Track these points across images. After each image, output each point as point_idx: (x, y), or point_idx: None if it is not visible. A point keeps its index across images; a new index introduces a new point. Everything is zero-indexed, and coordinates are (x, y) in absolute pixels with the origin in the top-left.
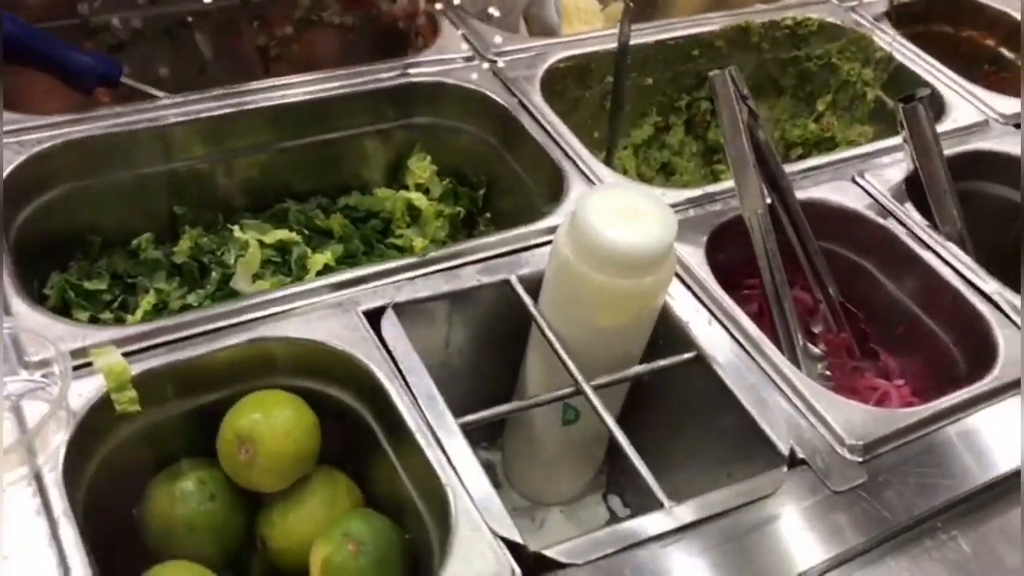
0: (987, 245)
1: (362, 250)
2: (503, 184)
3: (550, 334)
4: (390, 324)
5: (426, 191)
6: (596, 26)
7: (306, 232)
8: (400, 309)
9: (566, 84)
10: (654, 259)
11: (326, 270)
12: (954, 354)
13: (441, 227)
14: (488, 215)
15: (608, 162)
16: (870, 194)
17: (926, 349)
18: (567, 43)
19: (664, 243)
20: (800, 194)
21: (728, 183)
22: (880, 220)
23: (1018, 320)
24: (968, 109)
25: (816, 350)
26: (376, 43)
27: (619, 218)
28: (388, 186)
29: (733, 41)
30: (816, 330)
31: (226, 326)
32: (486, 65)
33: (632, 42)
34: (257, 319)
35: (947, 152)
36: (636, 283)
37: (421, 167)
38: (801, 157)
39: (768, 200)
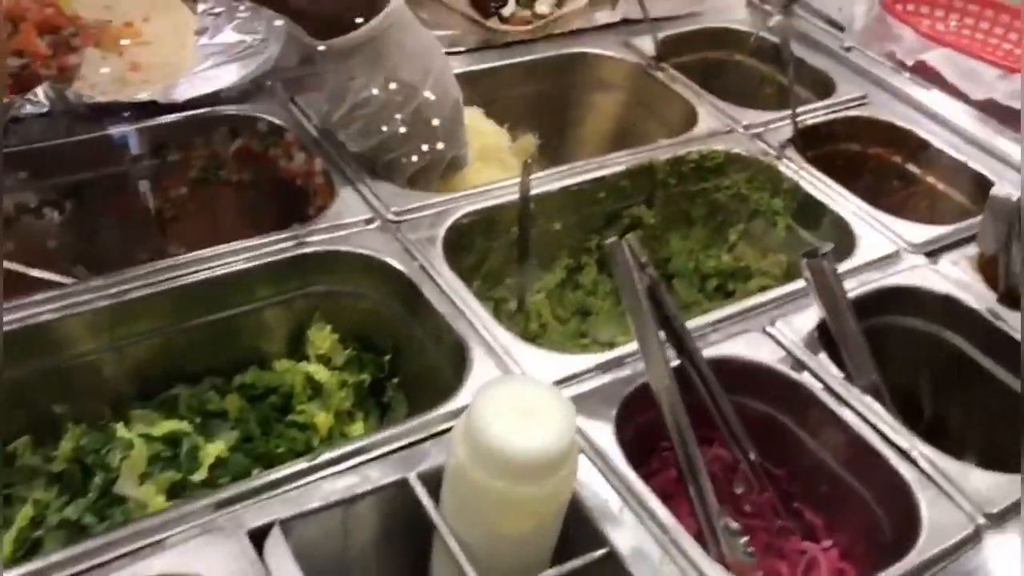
0: (903, 383)
1: (259, 432)
2: (410, 349)
3: (451, 541)
4: (275, 546)
5: (328, 361)
6: (506, 162)
7: (198, 420)
8: (288, 526)
9: (473, 238)
10: (553, 463)
11: (219, 463)
12: (878, 515)
13: (345, 398)
14: (396, 380)
15: (520, 308)
16: (783, 345)
17: (850, 509)
18: (471, 197)
19: (563, 445)
20: (711, 350)
21: None
22: (793, 375)
23: (938, 478)
24: (878, 240)
25: (736, 525)
26: (275, 201)
27: (515, 419)
28: (290, 357)
29: (638, 180)
30: (739, 491)
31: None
32: (386, 228)
33: (537, 190)
34: (125, 555)
35: (859, 290)
36: (537, 489)
37: (321, 337)
38: (717, 288)
39: (677, 362)
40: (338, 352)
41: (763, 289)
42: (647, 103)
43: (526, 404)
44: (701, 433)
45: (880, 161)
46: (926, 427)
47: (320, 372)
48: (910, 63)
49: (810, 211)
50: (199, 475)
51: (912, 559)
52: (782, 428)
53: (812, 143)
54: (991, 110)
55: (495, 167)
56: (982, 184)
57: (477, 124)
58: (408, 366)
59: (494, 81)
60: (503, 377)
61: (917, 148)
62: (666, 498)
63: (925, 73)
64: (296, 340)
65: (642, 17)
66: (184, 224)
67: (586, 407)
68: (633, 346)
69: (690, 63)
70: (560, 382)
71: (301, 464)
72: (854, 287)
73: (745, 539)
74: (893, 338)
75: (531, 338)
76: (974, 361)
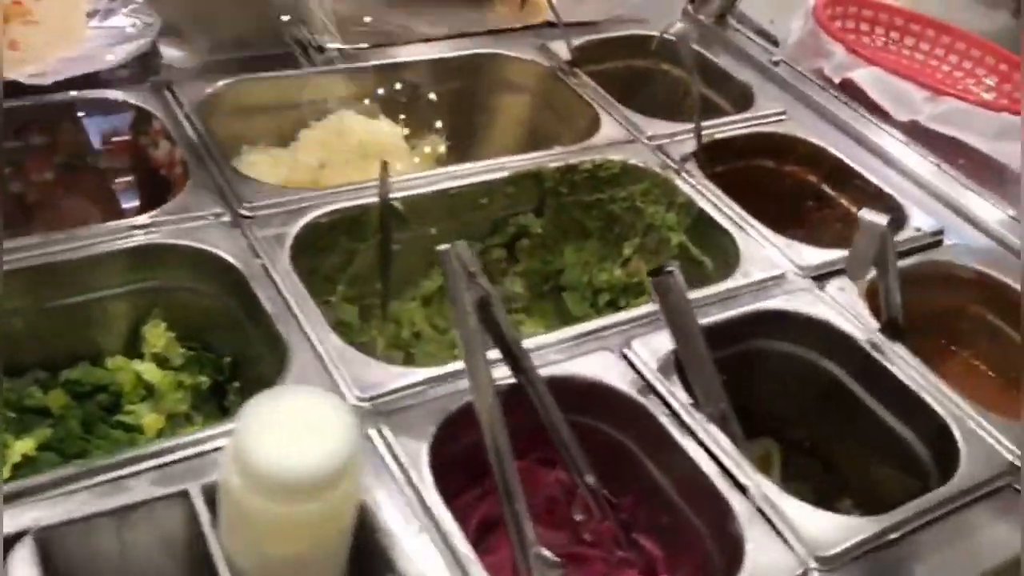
0: (781, 410)
1: (79, 433)
2: (251, 352)
3: (220, 564)
4: (22, 558)
5: (165, 360)
6: (402, 160)
7: (14, 415)
8: (48, 536)
9: (335, 238)
10: (327, 481)
11: (26, 462)
12: (711, 550)
13: (181, 400)
14: (238, 384)
15: (384, 315)
16: (635, 367)
17: (687, 542)
18: (331, 196)
19: (336, 461)
20: (558, 369)
21: None
22: (638, 398)
23: (771, 515)
24: (765, 261)
25: (553, 557)
26: (144, 190)
27: (286, 435)
28: (128, 354)
29: (525, 187)
30: (578, 518)
31: None
32: (236, 223)
33: (410, 192)
34: None
35: (736, 312)
36: (310, 509)
37: (155, 334)
38: (609, 304)
39: (513, 380)
40: (175, 351)
41: None
42: (555, 109)
43: (301, 418)
44: (546, 455)
45: (795, 180)
46: (805, 458)
47: (151, 371)
48: (837, 80)
49: (702, 228)
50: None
51: None
52: (628, 453)
53: (722, 157)
54: (914, 133)
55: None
56: (895, 209)
57: (366, 123)
58: (249, 370)
59: (402, 77)
60: (279, 389)
61: (833, 168)
62: (493, 524)
63: (851, 92)
64: (135, 337)
65: (573, 21)
66: (50, 211)
67: (404, 423)
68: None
69: (613, 71)
70: (384, 395)
71: (70, 469)
72: (732, 308)
73: (559, 572)
74: (770, 363)
75: (403, 347)
76: (852, 393)
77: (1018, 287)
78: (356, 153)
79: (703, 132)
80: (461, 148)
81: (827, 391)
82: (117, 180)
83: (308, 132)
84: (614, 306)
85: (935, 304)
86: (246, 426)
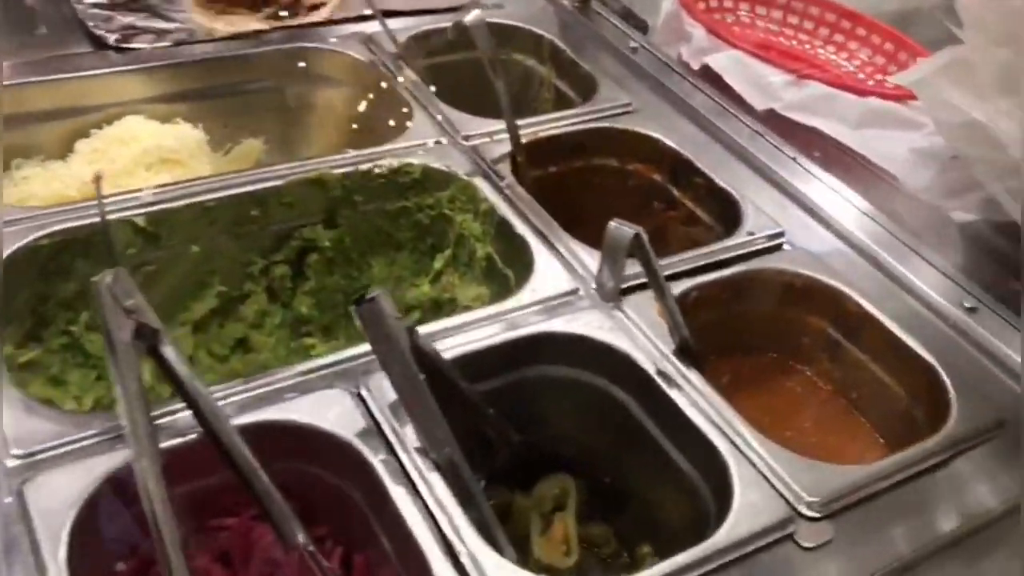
0: (577, 441)
1: None
2: None
3: None
4: None
5: None
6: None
7: None
8: None
9: (69, 260)
10: None
11: None
12: None
13: None
14: None
15: None
16: (368, 406)
17: None
18: (57, 214)
19: None
20: (268, 412)
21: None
22: (358, 444)
23: None
24: (559, 276)
25: None
26: None
27: None
28: None
29: (307, 197)
30: None
31: None
32: None
33: (163, 205)
34: None
35: (517, 333)
36: None
37: None
38: (420, 322)
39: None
40: None
41: None
42: (374, 107)
43: None
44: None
45: (640, 179)
46: (607, 496)
47: None
48: (695, 66)
49: (506, 239)
50: None
51: None
52: (356, 507)
53: (551, 157)
54: (771, 123)
55: (176, 171)
56: (733, 209)
57: (154, 128)
58: None
59: (208, 76)
60: None
61: (676, 166)
62: None
63: (710, 78)
64: None
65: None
66: None
67: (48, 486)
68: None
69: (455, 63)
70: (41, 450)
71: None
72: (517, 328)
73: None
74: (557, 391)
75: None
76: (642, 425)
77: (857, 296)
78: (138, 162)
79: (522, 131)
80: (283, 150)
81: (622, 423)
82: None
83: (86, 142)
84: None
85: (771, 316)
86: None
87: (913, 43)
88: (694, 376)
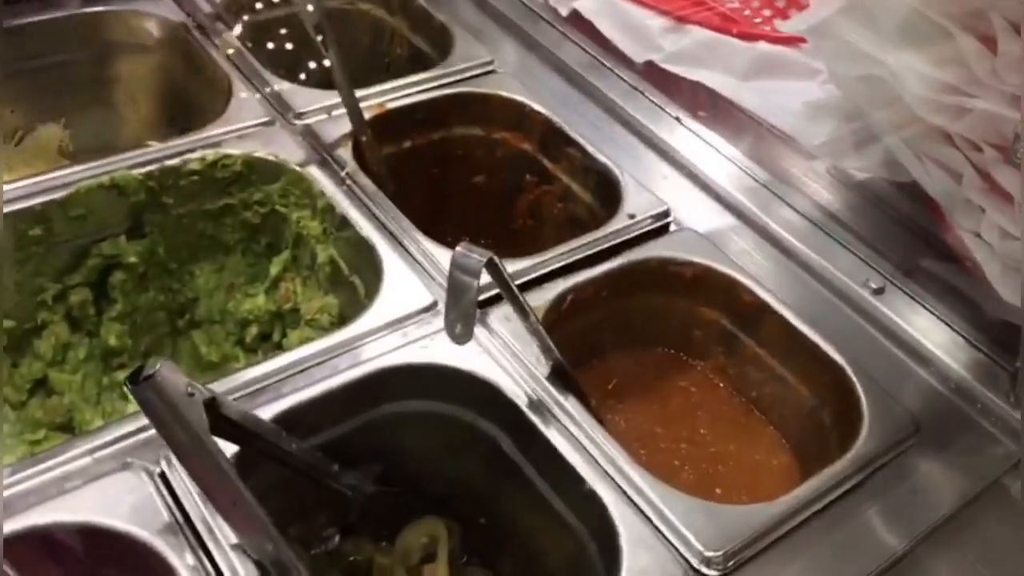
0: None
1: None
2: None
3: None
4: None
5: None
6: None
7: None
8: None
9: None
10: None
11: None
12: None
13: None
14: None
15: None
16: (173, 489)
17: None
18: None
19: None
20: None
21: None
22: (160, 544)
23: None
24: (416, 289)
25: None
26: None
27: None
28: None
29: (100, 205)
30: None
31: None
32: None
33: None
34: None
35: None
36: None
37: None
38: (263, 338)
39: None
40: None
41: (305, 342)
42: (191, 80)
43: None
44: None
45: (508, 149)
46: (484, 538)
47: None
48: (564, 12)
49: (349, 239)
50: None
51: None
52: None
53: (403, 131)
54: (651, 76)
55: None
56: (611, 186)
57: None
58: None
59: None
60: None
61: (546, 134)
62: None
63: (582, 27)
64: None
65: None
66: None
67: None
68: None
69: (288, 20)
70: None
71: None
72: (364, 361)
73: None
74: (420, 426)
75: None
76: (514, 462)
77: (752, 284)
78: None
79: (367, 102)
80: (90, 135)
81: (493, 459)
82: None
83: None
84: (268, 341)
85: (660, 308)
86: None
87: None
88: (572, 405)
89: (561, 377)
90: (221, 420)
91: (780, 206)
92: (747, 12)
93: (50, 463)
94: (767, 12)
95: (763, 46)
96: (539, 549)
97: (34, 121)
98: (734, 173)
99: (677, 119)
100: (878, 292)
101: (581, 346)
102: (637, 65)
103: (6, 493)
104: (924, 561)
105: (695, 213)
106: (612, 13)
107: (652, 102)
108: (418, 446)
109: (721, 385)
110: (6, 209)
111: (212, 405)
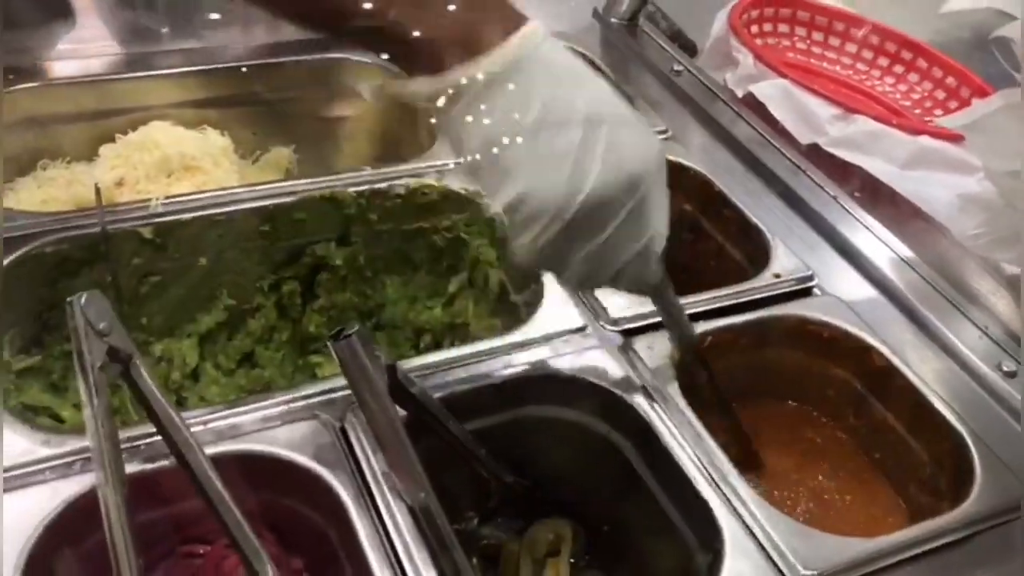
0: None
1: None
2: None
3: None
4: None
5: None
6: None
7: None
8: None
9: (74, 268)
10: None
11: None
12: None
13: None
14: None
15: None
16: (349, 441)
17: None
18: (64, 220)
19: None
20: (252, 442)
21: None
22: (333, 480)
23: None
24: (570, 312)
25: None
26: None
27: None
28: None
29: (320, 214)
30: None
31: None
32: None
33: (169, 217)
34: None
35: (507, 372)
36: None
37: None
38: (435, 346)
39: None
40: None
41: None
42: (403, 124)
43: None
44: None
45: (675, 204)
46: (606, 545)
47: None
48: (740, 93)
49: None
50: None
51: None
52: (328, 541)
53: None
54: (815, 157)
55: (197, 178)
56: (761, 248)
57: (174, 134)
58: None
59: (235, 83)
60: None
61: (708, 197)
62: None
63: (754, 107)
64: None
65: None
66: None
67: (13, 503)
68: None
69: None
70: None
71: None
72: (517, 365)
73: None
74: (555, 432)
75: (173, 389)
76: (639, 475)
77: (886, 351)
78: (159, 168)
79: None
80: (313, 161)
81: (621, 471)
82: None
83: (109, 146)
84: (439, 348)
85: (795, 365)
86: None
87: (977, 79)
88: (698, 425)
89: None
90: (397, 385)
91: (923, 286)
92: (917, 111)
93: (253, 406)
94: (938, 112)
95: (925, 140)
96: (653, 559)
97: (269, 144)
98: (881, 250)
99: (834, 197)
100: (1010, 375)
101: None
102: (802, 146)
103: (220, 423)
104: None
105: (840, 282)
106: (785, 98)
107: (812, 180)
108: (553, 450)
109: (847, 441)
110: (246, 205)
111: (392, 370)
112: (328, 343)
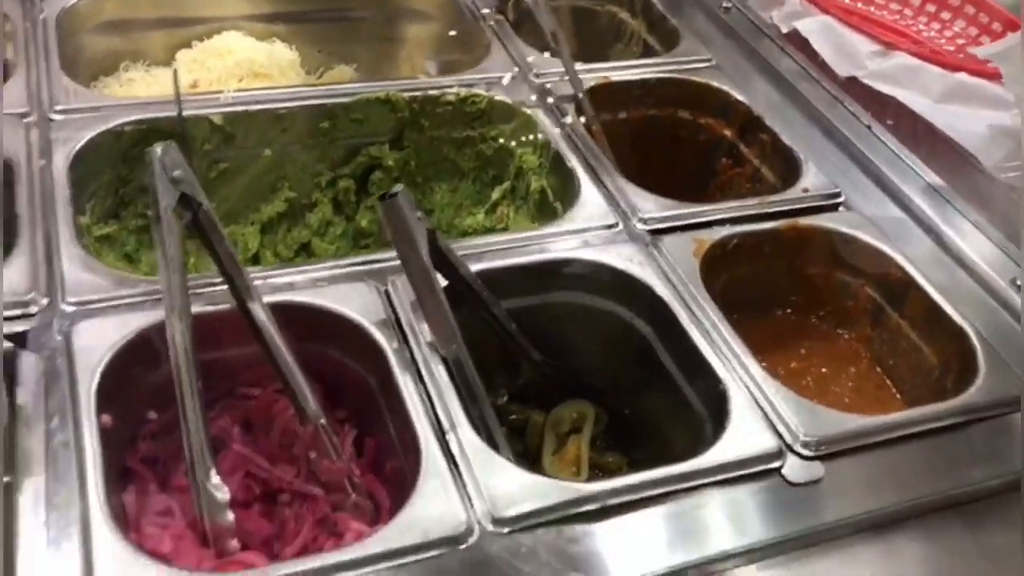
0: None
1: None
2: None
3: None
4: None
5: None
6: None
7: None
8: None
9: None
10: None
11: None
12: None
13: None
14: None
15: None
16: (392, 302)
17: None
18: (141, 105)
19: None
20: (296, 296)
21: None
22: (374, 332)
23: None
24: (603, 211)
25: (223, 494)
26: None
27: None
28: None
29: (376, 115)
30: (312, 456)
31: None
32: (41, 123)
33: (228, 109)
34: None
35: (538, 257)
36: None
37: None
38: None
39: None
40: None
41: None
42: (460, 43)
43: None
44: None
45: (711, 133)
46: (626, 426)
47: None
48: (785, 30)
49: (559, 172)
50: None
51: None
52: (370, 391)
53: (622, 103)
54: (853, 90)
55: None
56: (792, 164)
57: (249, 44)
58: None
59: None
60: None
61: (746, 122)
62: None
63: (797, 43)
64: None
65: None
66: None
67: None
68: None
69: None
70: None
71: None
72: (547, 249)
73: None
74: (580, 318)
75: None
76: (661, 361)
77: (904, 262)
78: (231, 73)
79: (595, 74)
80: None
81: (643, 356)
82: None
83: (186, 52)
84: None
85: (820, 275)
86: None
87: (1009, 14)
88: (715, 316)
89: None
90: (436, 250)
91: (946, 207)
92: (951, 48)
93: (308, 268)
94: (970, 49)
95: (963, 76)
96: (668, 439)
97: (333, 62)
98: (908, 174)
99: (868, 127)
100: (1021, 288)
101: (741, 297)
102: (840, 80)
103: (277, 280)
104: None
105: (867, 203)
106: (827, 34)
107: (847, 110)
108: (579, 336)
109: (864, 354)
110: (308, 102)
111: (432, 235)
112: (379, 203)
